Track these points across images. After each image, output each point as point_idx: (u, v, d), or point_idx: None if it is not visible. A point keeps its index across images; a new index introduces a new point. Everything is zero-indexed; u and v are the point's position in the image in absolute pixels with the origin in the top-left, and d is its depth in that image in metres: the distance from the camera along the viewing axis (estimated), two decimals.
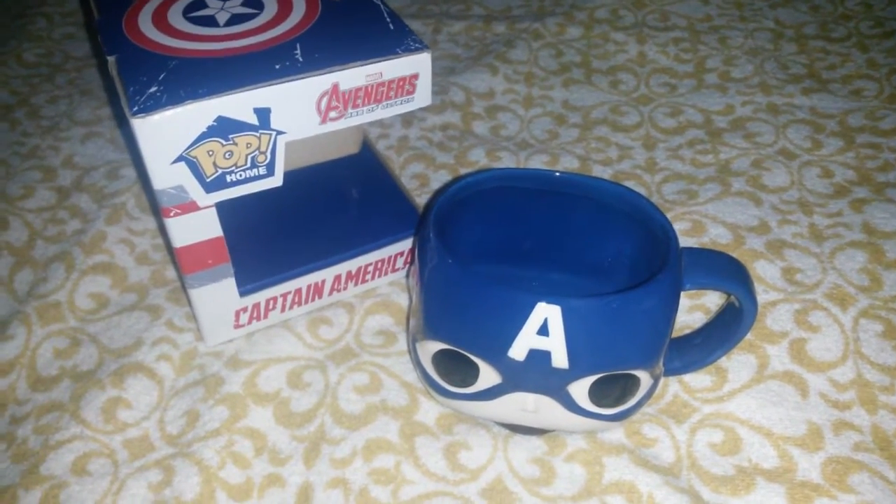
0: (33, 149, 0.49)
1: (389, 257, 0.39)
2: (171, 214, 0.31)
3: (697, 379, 0.35)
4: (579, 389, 0.29)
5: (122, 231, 0.43)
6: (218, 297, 0.35)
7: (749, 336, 0.36)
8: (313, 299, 0.38)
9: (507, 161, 0.48)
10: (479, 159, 0.48)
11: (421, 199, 0.45)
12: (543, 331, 0.27)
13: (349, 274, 0.38)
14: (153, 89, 0.28)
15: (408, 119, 0.52)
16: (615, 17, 0.61)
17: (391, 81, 0.32)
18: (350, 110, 0.32)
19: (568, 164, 0.47)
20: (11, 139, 0.50)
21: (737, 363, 0.35)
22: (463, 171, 0.47)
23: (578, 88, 0.54)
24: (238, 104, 0.29)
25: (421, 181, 0.47)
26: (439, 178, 0.47)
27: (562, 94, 0.54)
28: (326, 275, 0.37)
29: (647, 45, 0.58)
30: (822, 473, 0.31)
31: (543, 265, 0.37)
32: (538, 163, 0.48)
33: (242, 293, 0.36)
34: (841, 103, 0.51)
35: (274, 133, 0.30)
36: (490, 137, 0.50)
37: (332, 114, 0.31)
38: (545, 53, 0.57)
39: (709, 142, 0.49)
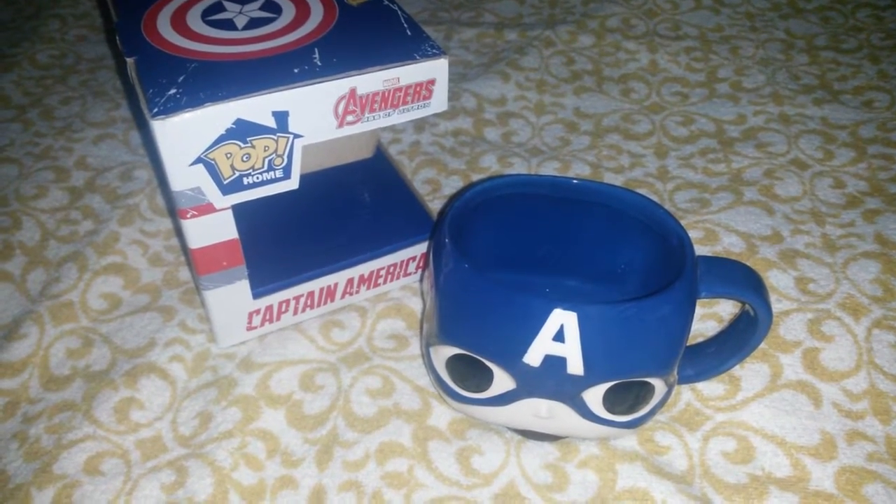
0: (46, 149, 0.49)
1: (402, 261, 0.39)
2: (188, 216, 0.31)
3: (710, 387, 0.35)
4: (594, 396, 0.29)
5: (135, 232, 0.43)
6: (231, 298, 0.35)
7: (762, 345, 0.36)
8: (326, 302, 0.38)
9: (518, 167, 0.48)
10: (490, 165, 0.48)
11: (433, 205, 0.46)
12: (559, 337, 0.27)
13: (362, 277, 0.38)
14: (172, 91, 0.29)
15: (419, 125, 0.52)
16: (626, 27, 0.61)
17: (408, 86, 0.32)
18: (367, 115, 0.32)
19: (579, 171, 0.47)
20: (24, 139, 0.50)
21: (750, 372, 0.35)
22: (475, 176, 0.48)
23: (590, 96, 0.54)
24: (257, 107, 0.29)
25: (433, 186, 0.47)
26: (451, 184, 0.47)
27: (573, 101, 0.54)
28: (339, 278, 0.38)
29: (658, 53, 0.58)
30: (835, 483, 0.31)
31: (556, 272, 0.37)
32: (550, 169, 0.48)
33: (256, 295, 0.36)
34: (852, 114, 0.51)
35: (291, 136, 0.30)
36: (502, 144, 0.50)
37: (350, 118, 0.31)
38: (556, 61, 0.58)
39: (721, 151, 0.49)
